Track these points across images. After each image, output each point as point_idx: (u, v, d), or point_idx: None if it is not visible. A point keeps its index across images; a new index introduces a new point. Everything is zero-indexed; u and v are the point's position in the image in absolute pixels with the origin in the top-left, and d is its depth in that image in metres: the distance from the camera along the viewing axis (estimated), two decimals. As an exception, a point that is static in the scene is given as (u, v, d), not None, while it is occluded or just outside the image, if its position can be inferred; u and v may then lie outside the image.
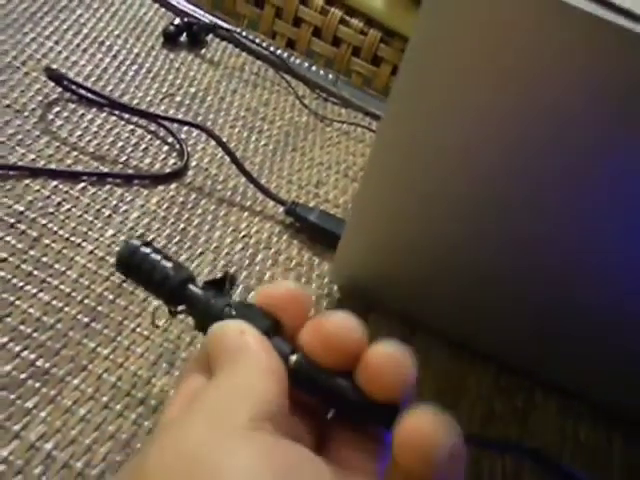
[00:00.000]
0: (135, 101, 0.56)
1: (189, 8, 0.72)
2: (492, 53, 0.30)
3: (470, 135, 0.33)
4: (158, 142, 0.54)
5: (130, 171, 0.50)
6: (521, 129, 0.33)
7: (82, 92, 0.53)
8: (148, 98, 0.57)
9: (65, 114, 0.52)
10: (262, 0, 1.40)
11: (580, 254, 0.36)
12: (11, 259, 0.40)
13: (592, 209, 0.34)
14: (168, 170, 0.51)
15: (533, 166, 0.33)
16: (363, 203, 0.42)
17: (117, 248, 0.38)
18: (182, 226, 0.47)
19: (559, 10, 0.27)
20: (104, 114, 0.54)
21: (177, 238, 0.46)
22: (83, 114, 0.53)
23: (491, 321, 0.44)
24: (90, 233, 0.44)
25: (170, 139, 0.54)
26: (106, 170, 0.49)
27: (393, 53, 1.35)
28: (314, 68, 0.72)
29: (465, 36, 0.30)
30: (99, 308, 0.40)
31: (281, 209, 0.51)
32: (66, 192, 0.46)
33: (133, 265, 0.27)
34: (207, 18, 0.71)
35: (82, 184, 0.47)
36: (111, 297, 0.41)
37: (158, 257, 0.27)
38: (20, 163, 0.46)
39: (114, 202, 0.47)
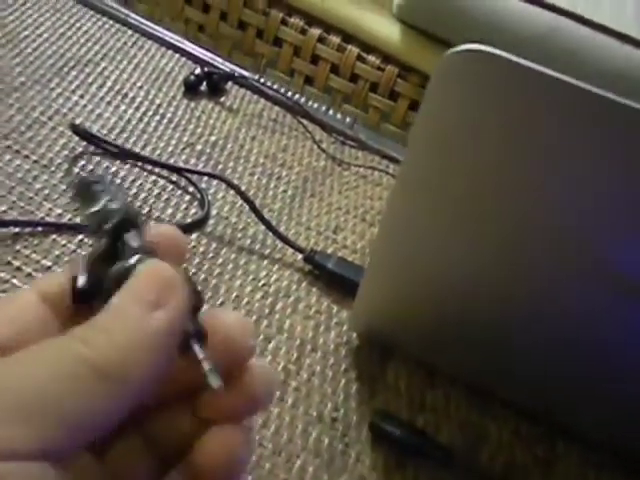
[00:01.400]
0: (157, 152, 0.58)
1: (208, 56, 0.74)
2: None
3: (484, 188, 0.34)
4: (180, 192, 0.55)
5: (152, 223, 0.51)
6: (535, 183, 0.33)
7: (106, 146, 0.55)
8: (170, 148, 0.59)
9: (90, 167, 0.54)
10: (280, 39, 1.43)
11: (593, 312, 0.36)
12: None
13: (595, 275, 0.34)
14: (189, 220, 0.52)
15: (543, 232, 0.33)
16: (381, 252, 0.43)
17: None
18: (203, 276, 0.49)
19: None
20: (127, 166, 0.55)
21: (198, 289, 0.47)
22: (107, 167, 0.54)
23: (509, 368, 0.44)
24: (114, 286, 0.45)
25: (191, 189, 0.56)
26: (129, 222, 0.50)
27: (410, 88, 1.36)
28: (331, 112, 0.74)
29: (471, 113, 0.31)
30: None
31: (300, 256, 0.52)
32: (91, 246, 0.47)
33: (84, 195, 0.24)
34: (226, 66, 0.73)
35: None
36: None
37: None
38: (47, 218, 0.48)
39: (137, 254, 0.48)
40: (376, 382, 0.45)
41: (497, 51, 0.26)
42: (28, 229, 0.46)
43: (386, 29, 1.35)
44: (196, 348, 0.21)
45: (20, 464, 0.16)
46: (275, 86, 0.73)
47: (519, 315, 0.40)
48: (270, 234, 0.53)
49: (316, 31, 1.39)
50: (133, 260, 0.22)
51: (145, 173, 0.55)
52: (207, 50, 0.75)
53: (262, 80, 0.73)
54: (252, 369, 0.23)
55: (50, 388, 0.18)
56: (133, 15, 0.75)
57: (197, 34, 1.49)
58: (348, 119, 0.74)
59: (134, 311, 0.20)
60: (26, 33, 0.66)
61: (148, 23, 0.75)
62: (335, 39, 1.39)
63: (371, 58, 1.37)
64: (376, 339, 0.48)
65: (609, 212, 0.30)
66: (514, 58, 0.27)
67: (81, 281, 0.22)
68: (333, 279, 0.51)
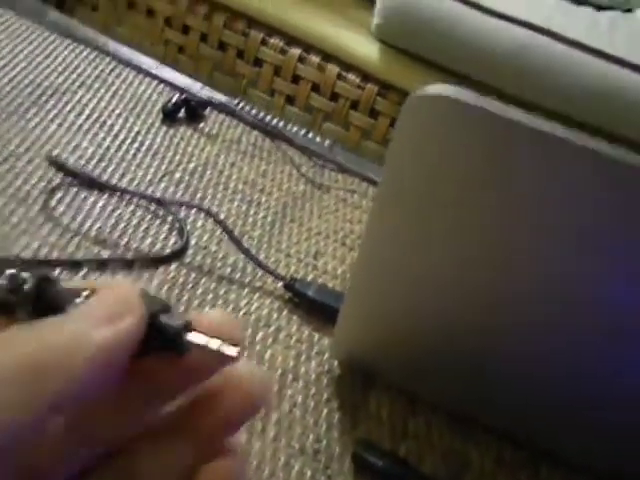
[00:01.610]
0: (136, 181, 0.58)
1: (187, 82, 0.74)
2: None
3: (454, 222, 0.34)
4: (158, 222, 0.55)
5: (131, 254, 0.51)
6: (517, 215, 0.34)
7: (83, 177, 0.55)
8: (149, 177, 0.59)
9: (67, 199, 0.53)
10: (260, 59, 1.43)
11: (574, 337, 0.37)
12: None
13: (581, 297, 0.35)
14: (168, 250, 0.52)
15: (527, 256, 0.34)
16: (360, 278, 0.43)
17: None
18: (183, 307, 0.48)
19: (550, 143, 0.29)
20: (105, 196, 0.55)
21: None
22: (85, 197, 0.54)
23: (491, 394, 0.44)
24: (92, 321, 0.45)
25: (170, 218, 0.55)
26: (107, 255, 0.50)
27: (390, 106, 1.38)
28: (310, 135, 0.74)
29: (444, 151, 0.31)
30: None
31: (280, 284, 0.52)
32: (69, 280, 0.47)
33: None
34: (205, 90, 0.73)
35: (84, 270, 0.48)
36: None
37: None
38: (24, 252, 0.47)
39: (116, 287, 0.48)
40: (358, 411, 0.45)
41: (458, 94, 0.27)
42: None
43: (365, 48, 1.36)
44: (193, 337, 0.20)
45: None
46: (253, 111, 0.73)
47: (500, 343, 0.41)
48: (250, 262, 0.53)
49: (296, 51, 1.40)
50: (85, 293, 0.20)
51: (123, 203, 0.55)
52: (185, 75, 0.75)
53: (240, 105, 0.73)
54: (239, 372, 0.21)
55: None
56: (111, 42, 0.75)
57: (177, 56, 1.49)
58: (327, 142, 0.74)
59: (77, 324, 0.18)
60: (3, 62, 0.66)
61: (126, 50, 0.75)
62: (315, 58, 1.40)
63: (351, 77, 1.38)
64: (357, 367, 0.48)
65: (583, 249, 0.31)
66: (473, 101, 0.27)
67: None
68: (314, 307, 0.51)
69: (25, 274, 0.20)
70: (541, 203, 0.29)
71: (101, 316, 0.18)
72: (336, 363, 0.48)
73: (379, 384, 0.47)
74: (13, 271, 0.20)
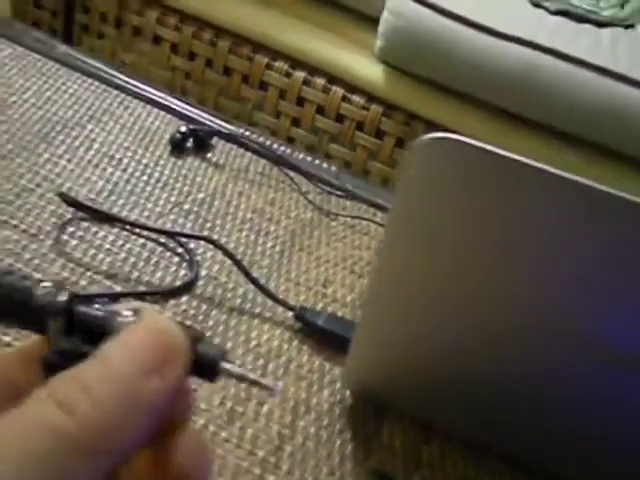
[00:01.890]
0: (145, 213, 0.59)
1: (194, 112, 0.75)
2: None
3: (461, 260, 0.34)
4: (169, 254, 0.55)
5: (142, 287, 0.51)
6: (521, 250, 0.34)
7: (93, 212, 0.56)
8: (158, 209, 0.60)
9: (79, 234, 0.54)
10: (265, 83, 1.45)
11: (587, 366, 0.37)
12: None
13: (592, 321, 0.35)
14: (179, 283, 0.53)
15: (533, 288, 0.34)
16: (371, 309, 0.43)
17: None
18: (194, 340, 0.49)
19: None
20: (116, 230, 0.56)
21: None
22: (96, 232, 0.55)
23: (503, 422, 0.44)
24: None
25: (180, 250, 0.56)
26: (119, 289, 0.50)
27: (395, 126, 1.39)
28: (317, 162, 0.75)
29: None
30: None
31: (290, 314, 0.52)
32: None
33: None
34: (212, 121, 0.74)
35: (96, 306, 0.48)
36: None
37: (12, 278, 0.21)
38: (37, 289, 0.48)
39: (128, 321, 0.48)
40: (371, 441, 0.45)
41: (461, 138, 0.27)
42: None
43: (369, 70, 1.37)
44: (230, 367, 0.20)
45: None
46: (260, 139, 0.74)
47: (510, 372, 0.41)
48: (260, 292, 0.53)
49: (301, 74, 1.42)
50: (128, 312, 0.20)
51: (133, 237, 0.56)
52: (192, 106, 0.76)
53: (247, 134, 0.74)
54: (181, 446, 0.20)
55: (22, 468, 0.15)
56: (119, 75, 0.77)
57: (184, 81, 1.51)
58: (334, 168, 0.75)
59: (127, 372, 0.17)
60: (13, 99, 0.67)
61: (133, 82, 0.76)
62: (320, 81, 1.41)
63: (356, 98, 1.40)
64: (369, 396, 0.48)
65: (585, 282, 0.31)
66: (477, 144, 0.27)
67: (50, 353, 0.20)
68: (324, 336, 0.51)
69: (59, 288, 0.21)
70: (544, 238, 0.30)
71: (150, 366, 0.18)
72: (348, 393, 0.48)
73: (391, 413, 0.47)
74: (50, 283, 0.21)
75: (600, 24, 1.34)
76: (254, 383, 0.21)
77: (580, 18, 1.32)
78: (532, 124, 1.30)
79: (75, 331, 0.20)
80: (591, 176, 1.08)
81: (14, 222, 0.53)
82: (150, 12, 1.48)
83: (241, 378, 0.20)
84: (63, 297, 0.21)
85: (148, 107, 0.73)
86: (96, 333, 0.20)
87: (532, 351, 0.39)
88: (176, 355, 0.19)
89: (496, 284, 0.34)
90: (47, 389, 0.17)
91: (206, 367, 0.20)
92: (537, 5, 1.30)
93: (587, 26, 1.31)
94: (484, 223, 0.31)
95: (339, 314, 0.55)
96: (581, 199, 0.28)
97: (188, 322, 0.50)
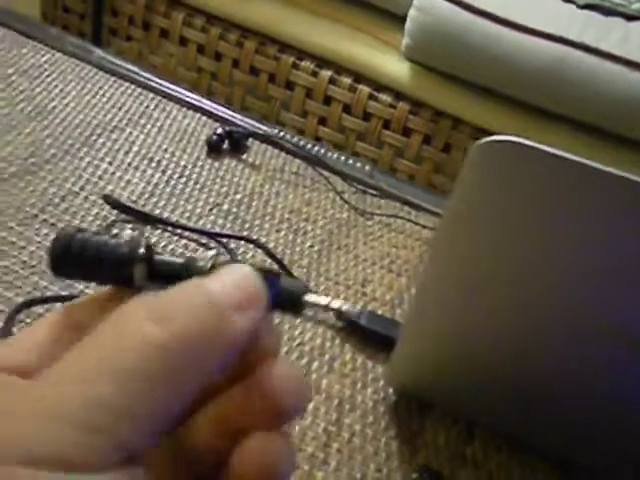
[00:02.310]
0: (186, 214, 0.60)
1: (228, 113, 0.76)
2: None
3: (510, 262, 0.35)
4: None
5: (187, 287, 0.52)
6: (558, 260, 0.34)
7: (136, 213, 0.57)
8: (198, 210, 0.61)
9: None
10: (292, 82, 1.46)
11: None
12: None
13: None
14: (222, 283, 0.53)
15: (563, 301, 0.34)
16: (417, 311, 0.44)
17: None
18: (239, 339, 0.49)
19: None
20: (158, 231, 0.57)
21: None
22: (144, 233, 0.56)
23: (546, 419, 0.44)
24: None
25: (221, 249, 0.57)
26: (165, 289, 0.51)
27: (422, 123, 1.38)
28: (350, 161, 0.75)
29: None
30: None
31: (331, 313, 0.53)
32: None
33: (74, 255, 0.21)
34: (246, 122, 0.75)
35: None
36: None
37: (103, 238, 0.22)
38: (87, 290, 0.49)
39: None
40: (416, 438, 0.46)
41: (524, 141, 0.27)
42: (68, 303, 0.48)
43: (396, 68, 1.37)
44: (314, 299, 0.21)
45: (104, 475, 0.16)
46: (294, 139, 0.75)
47: (555, 370, 0.41)
48: (301, 291, 0.54)
49: (327, 73, 1.42)
50: (209, 261, 0.21)
51: (175, 237, 0.57)
52: (227, 107, 0.77)
53: (281, 134, 0.75)
54: (275, 371, 0.20)
55: (122, 395, 0.16)
56: (153, 78, 0.78)
57: (210, 82, 1.52)
58: (367, 167, 0.75)
59: (219, 301, 0.18)
60: (54, 104, 0.68)
61: (168, 85, 0.77)
62: (346, 80, 1.41)
63: (382, 96, 1.40)
64: (412, 394, 0.48)
65: (626, 286, 0.31)
66: (540, 147, 0.28)
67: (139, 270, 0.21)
68: (365, 334, 0.52)
69: (138, 239, 0.22)
70: (605, 241, 0.30)
71: (238, 302, 0.19)
72: (391, 390, 0.49)
73: (434, 410, 0.48)
74: (133, 232, 0.22)
75: (629, 17, 1.32)
76: (339, 312, 0.22)
77: (609, 11, 1.31)
78: (562, 119, 1.29)
79: (156, 278, 0.21)
80: (622, 169, 1.07)
81: (61, 225, 0.54)
82: (177, 14, 1.50)
83: (326, 308, 0.22)
84: (142, 248, 0.21)
85: (184, 109, 0.74)
86: (176, 280, 0.20)
87: (577, 350, 0.39)
88: (260, 299, 0.19)
89: (547, 286, 0.34)
90: (140, 305, 0.18)
91: (290, 301, 0.21)
92: (566, 0, 1.29)
93: (616, 19, 1.30)
94: (543, 226, 0.31)
95: (379, 312, 0.55)
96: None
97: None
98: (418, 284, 0.41)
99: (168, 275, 0.21)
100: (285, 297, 0.21)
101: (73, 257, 0.21)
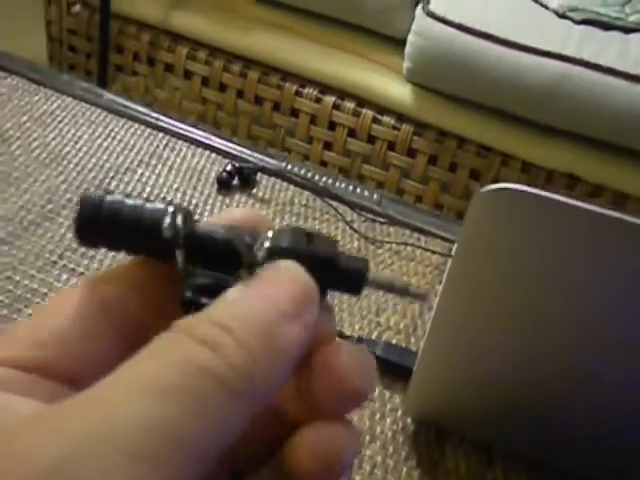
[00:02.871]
0: (200, 252, 0.61)
1: (236, 149, 0.78)
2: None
3: (520, 299, 0.36)
4: (226, 291, 0.57)
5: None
6: (566, 295, 0.35)
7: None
8: (211, 247, 0.62)
9: (140, 277, 0.57)
10: (296, 110, 1.48)
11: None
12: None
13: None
14: (238, 319, 0.54)
15: (587, 328, 0.35)
16: (434, 341, 0.45)
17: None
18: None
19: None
20: (174, 271, 0.58)
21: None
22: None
23: (564, 442, 0.45)
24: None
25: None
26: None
27: (427, 144, 1.40)
28: (358, 190, 0.77)
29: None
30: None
31: (347, 344, 0.54)
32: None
33: (106, 220, 0.19)
34: (254, 157, 0.77)
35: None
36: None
37: (138, 201, 0.19)
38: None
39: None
40: (437, 467, 0.46)
41: (525, 188, 0.29)
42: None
43: (398, 90, 1.39)
44: (377, 277, 0.20)
45: None
46: (302, 172, 0.76)
47: (565, 392, 0.42)
48: (316, 324, 0.55)
49: (330, 99, 1.44)
50: (263, 252, 0.19)
51: (191, 276, 0.58)
52: (234, 143, 0.79)
53: (289, 167, 0.76)
54: (340, 353, 0.18)
55: (171, 417, 0.14)
56: (162, 117, 0.80)
57: (216, 113, 1.55)
58: (375, 195, 0.76)
59: (270, 318, 0.17)
60: (67, 149, 0.70)
61: (177, 124, 0.79)
62: (349, 104, 1.43)
63: (386, 119, 1.41)
64: (431, 422, 0.49)
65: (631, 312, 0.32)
66: (541, 193, 0.29)
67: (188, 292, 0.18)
68: (382, 364, 0.53)
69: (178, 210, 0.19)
70: (605, 283, 0.31)
71: (289, 310, 0.17)
72: (409, 420, 0.49)
73: (453, 438, 0.49)
74: (172, 208, 0.19)
75: (627, 30, 1.34)
76: (404, 291, 0.20)
77: (607, 26, 1.32)
78: (564, 134, 1.30)
79: (200, 255, 0.19)
80: (623, 182, 1.08)
81: (80, 269, 0.56)
82: (180, 48, 1.53)
83: (390, 287, 0.20)
84: (181, 226, 0.19)
85: (192, 147, 0.76)
86: (222, 256, 0.19)
87: (591, 372, 0.40)
88: (313, 302, 0.18)
89: (557, 315, 0.35)
90: (183, 328, 0.16)
91: (352, 279, 0.19)
92: (563, 16, 1.31)
93: (614, 33, 1.31)
94: (547, 265, 0.32)
95: (394, 341, 0.56)
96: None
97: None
98: (433, 314, 0.42)
99: (211, 254, 0.19)
100: (344, 278, 0.19)
101: (104, 220, 0.19)
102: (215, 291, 0.18)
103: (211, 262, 0.19)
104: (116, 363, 0.16)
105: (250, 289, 0.17)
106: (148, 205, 0.19)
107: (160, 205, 0.19)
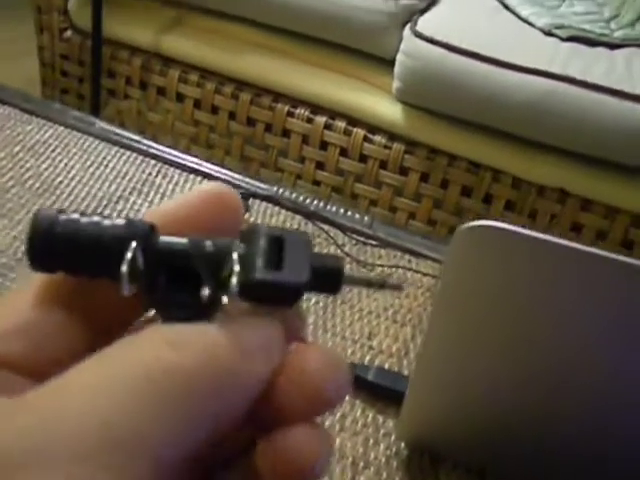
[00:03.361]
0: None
1: (229, 175, 0.78)
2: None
3: (505, 330, 0.36)
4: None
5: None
6: (560, 326, 0.36)
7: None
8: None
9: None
10: (288, 130, 1.49)
11: None
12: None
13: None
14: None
15: (574, 359, 0.36)
16: (425, 365, 0.45)
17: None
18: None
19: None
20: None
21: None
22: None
23: (557, 468, 0.45)
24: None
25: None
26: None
27: (418, 162, 1.41)
28: (349, 213, 0.77)
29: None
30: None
31: (340, 370, 0.54)
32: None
33: (61, 240, 0.17)
34: (246, 182, 0.78)
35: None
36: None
37: (95, 218, 0.18)
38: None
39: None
40: (430, 492, 0.47)
41: (504, 225, 0.29)
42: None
43: (388, 110, 1.40)
44: (354, 274, 0.19)
45: None
46: (293, 196, 0.77)
47: (558, 415, 0.42)
48: (309, 350, 0.55)
49: (322, 119, 1.46)
50: (233, 289, 0.17)
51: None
52: (227, 169, 0.80)
53: (280, 192, 0.77)
54: (311, 356, 0.18)
55: (127, 417, 0.14)
56: (153, 144, 0.80)
57: (208, 135, 1.56)
58: (366, 218, 0.77)
59: (231, 355, 0.16)
60: (60, 179, 0.71)
61: (169, 150, 0.80)
62: (341, 124, 1.45)
63: (377, 138, 1.43)
64: (424, 447, 0.49)
65: (625, 351, 0.33)
66: (519, 230, 0.30)
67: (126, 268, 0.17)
68: (375, 389, 0.53)
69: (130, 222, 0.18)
70: (584, 315, 0.32)
71: (263, 357, 0.17)
72: (403, 445, 0.50)
73: (447, 462, 0.49)
74: (133, 243, 0.18)
75: (613, 46, 1.36)
76: (381, 284, 0.20)
77: (593, 42, 1.34)
78: (552, 149, 1.32)
79: (156, 264, 0.17)
80: (613, 196, 1.08)
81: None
82: (172, 71, 1.54)
83: (367, 282, 0.19)
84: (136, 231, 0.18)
85: (185, 174, 0.77)
86: (181, 267, 0.18)
87: (582, 396, 0.40)
88: (279, 347, 0.18)
89: (541, 346, 0.36)
90: (155, 329, 0.16)
91: (329, 279, 0.19)
92: (549, 34, 1.33)
93: (600, 49, 1.33)
94: (527, 298, 0.33)
95: (386, 365, 0.57)
96: (631, 280, 0.30)
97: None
98: (423, 340, 0.43)
99: (171, 261, 0.18)
100: (320, 279, 0.18)
101: (59, 243, 0.17)
102: (182, 307, 0.17)
103: (175, 286, 0.18)
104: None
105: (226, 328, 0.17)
106: (107, 222, 0.18)
107: (119, 223, 0.18)
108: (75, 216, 0.18)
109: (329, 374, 0.18)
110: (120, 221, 0.18)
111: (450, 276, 0.34)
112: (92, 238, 0.17)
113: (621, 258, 0.28)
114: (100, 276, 0.18)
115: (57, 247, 0.17)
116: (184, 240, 0.18)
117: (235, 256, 0.18)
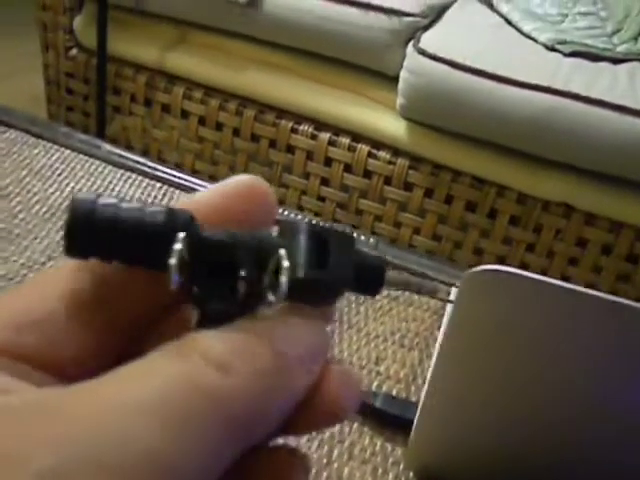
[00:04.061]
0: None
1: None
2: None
3: (512, 372, 0.36)
4: (226, 345, 0.58)
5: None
6: (568, 366, 0.36)
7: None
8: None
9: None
10: (292, 146, 1.49)
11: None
12: None
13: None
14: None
15: (582, 396, 0.36)
16: (435, 394, 0.45)
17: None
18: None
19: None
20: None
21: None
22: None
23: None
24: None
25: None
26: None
27: (423, 178, 1.41)
28: (355, 235, 0.77)
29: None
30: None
31: (348, 396, 0.54)
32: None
33: (100, 225, 0.16)
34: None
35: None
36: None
37: (135, 205, 0.17)
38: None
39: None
40: (440, 522, 0.47)
41: (511, 269, 0.30)
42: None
43: (392, 126, 1.41)
44: (395, 275, 0.19)
45: None
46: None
47: (569, 450, 0.42)
48: (316, 376, 0.55)
49: (326, 135, 1.46)
50: (282, 288, 0.16)
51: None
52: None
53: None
54: (331, 376, 0.18)
55: (157, 443, 0.13)
56: (158, 167, 0.81)
57: (213, 151, 1.57)
58: (372, 239, 0.77)
59: (281, 364, 0.16)
60: (67, 203, 0.71)
61: (175, 173, 0.80)
62: (345, 140, 1.45)
63: (381, 154, 1.43)
64: (433, 476, 0.49)
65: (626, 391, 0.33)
66: (525, 274, 0.30)
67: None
68: (382, 417, 0.53)
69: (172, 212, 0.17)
70: (593, 355, 0.32)
71: (302, 357, 0.16)
72: (411, 474, 0.50)
73: (456, 491, 0.49)
74: (182, 234, 0.17)
75: (616, 61, 1.36)
76: (419, 290, 0.20)
77: (595, 57, 1.35)
78: (555, 164, 1.32)
79: (198, 256, 0.17)
80: (618, 211, 1.08)
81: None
82: (177, 89, 1.55)
83: (406, 285, 0.20)
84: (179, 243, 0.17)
85: (189, 196, 0.77)
86: (222, 259, 0.17)
87: (592, 437, 0.40)
88: (322, 353, 0.17)
89: (550, 383, 0.36)
90: (193, 345, 0.15)
91: (371, 278, 0.18)
92: (552, 49, 1.33)
93: (603, 64, 1.34)
94: (536, 338, 0.33)
95: (394, 391, 0.56)
96: (631, 320, 0.30)
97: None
98: (431, 371, 0.43)
99: (215, 256, 0.17)
100: (362, 279, 0.18)
101: (98, 228, 0.16)
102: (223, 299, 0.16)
103: (215, 279, 0.17)
104: (107, 357, 0.15)
105: (269, 328, 0.16)
106: (147, 209, 0.17)
107: (160, 210, 0.17)
108: (113, 200, 0.17)
109: (344, 390, 0.17)
110: (161, 209, 0.17)
111: (459, 316, 0.34)
112: (133, 224, 0.17)
113: (633, 304, 0.29)
114: (138, 264, 0.17)
115: (96, 232, 0.16)
116: (227, 232, 0.17)
117: (283, 252, 0.17)
